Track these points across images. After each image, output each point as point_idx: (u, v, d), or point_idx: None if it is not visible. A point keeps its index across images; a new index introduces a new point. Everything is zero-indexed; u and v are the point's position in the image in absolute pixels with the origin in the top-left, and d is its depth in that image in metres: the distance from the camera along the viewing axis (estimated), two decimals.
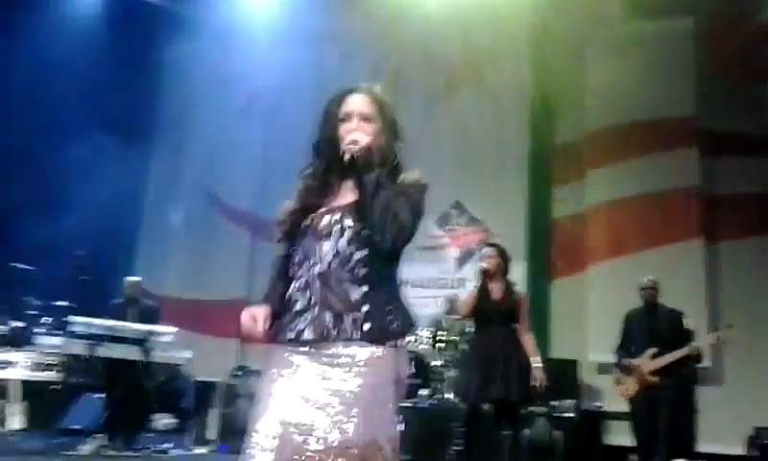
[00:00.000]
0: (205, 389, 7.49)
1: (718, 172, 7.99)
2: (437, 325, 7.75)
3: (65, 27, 9.12)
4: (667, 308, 5.88)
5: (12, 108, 8.65)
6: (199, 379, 7.61)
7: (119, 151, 9.07)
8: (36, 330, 6.27)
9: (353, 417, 2.06)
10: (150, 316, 6.88)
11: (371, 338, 2.13)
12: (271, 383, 2.15)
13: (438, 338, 7.61)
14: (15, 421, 5.67)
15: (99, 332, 6.22)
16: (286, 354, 2.17)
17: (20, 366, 5.68)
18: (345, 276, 2.17)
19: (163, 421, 7.24)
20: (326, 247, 2.19)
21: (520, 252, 7.92)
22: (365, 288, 2.17)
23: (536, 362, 4.87)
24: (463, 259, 8.92)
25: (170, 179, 10.36)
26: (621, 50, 8.45)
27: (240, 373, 7.43)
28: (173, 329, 6.74)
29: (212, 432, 7.14)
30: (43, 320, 6.76)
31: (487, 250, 5.22)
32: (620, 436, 6.90)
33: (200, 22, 9.94)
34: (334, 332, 2.13)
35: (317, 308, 2.16)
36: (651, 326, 5.82)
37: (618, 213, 8.22)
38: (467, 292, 5.23)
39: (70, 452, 5.89)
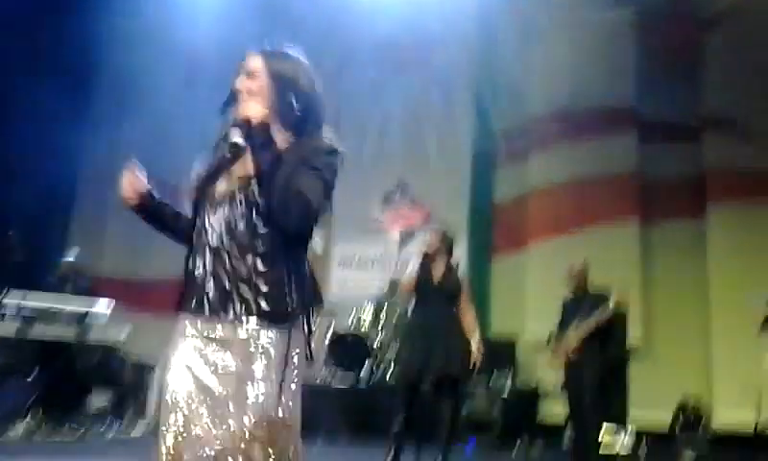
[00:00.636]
0: (143, 369, 7.35)
1: (654, 157, 8.24)
2: (378, 305, 7.81)
3: None
4: (596, 292, 6.07)
5: None
6: (137, 360, 7.46)
7: (55, 122, 8.76)
8: None
9: (243, 400, 1.93)
10: (83, 293, 6.69)
11: (261, 317, 1.97)
12: (171, 357, 2.02)
13: (379, 319, 7.68)
14: None
15: (30, 313, 6.03)
16: (186, 327, 2.02)
17: None
18: (236, 250, 2.00)
19: (98, 402, 7.08)
20: (219, 217, 2.03)
21: (462, 231, 8.01)
22: (259, 264, 1.99)
23: (475, 339, 4.94)
24: (405, 240, 8.96)
25: (109, 152, 10.06)
26: (564, 37, 8.59)
27: None
28: (108, 304, 6.58)
29: (150, 413, 7.03)
30: None
31: (429, 233, 5.26)
32: (556, 410, 7.10)
33: None
34: (222, 309, 1.98)
35: (209, 282, 2.00)
36: (579, 307, 6.00)
37: (558, 195, 8.40)
38: (408, 273, 5.24)
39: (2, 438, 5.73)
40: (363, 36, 9.31)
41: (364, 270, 8.91)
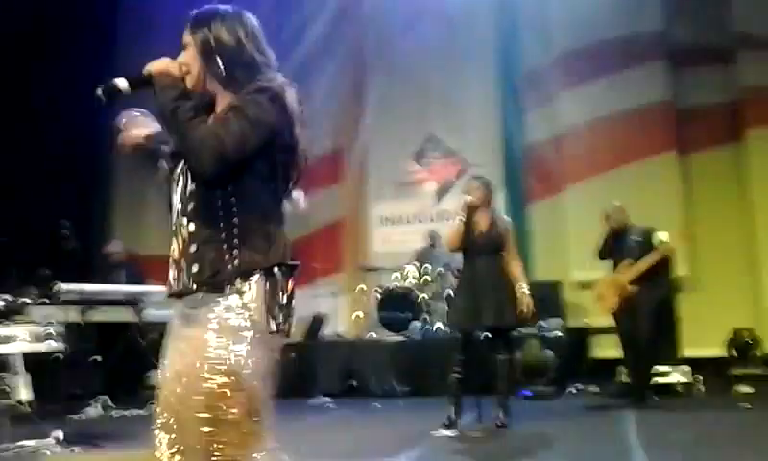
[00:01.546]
0: None
1: (687, 85, 8.10)
2: (421, 259, 7.90)
3: None
4: (638, 226, 6.08)
5: None
6: None
7: (92, 114, 8.86)
8: (25, 301, 6.24)
9: (193, 371, 1.80)
10: (136, 277, 6.88)
11: (200, 283, 1.83)
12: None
13: (423, 272, 7.78)
14: (22, 392, 5.70)
15: (90, 298, 6.24)
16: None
17: (20, 339, 5.68)
18: (182, 220, 1.89)
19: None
20: (177, 191, 1.94)
21: (498, 179, 8.01)
22: (190, 226, 1.86)
23: (523, 288, 5.00)
24: (442, 192, 9.01)
25: None
26: None
27: None
28: (161, 288, 6.75)
29: None
30: (31, 292, 6.72)
31: (471, 182, 5.27)
32: (607, 349, 7.18)
33: None
34: (174, 284, 1.88)
35: (172, 259, 1.92)
36: (623, 245, 6.02)
37: (591, 133, 8.31)
38: (451, 225, 5.29)
39: (78, 416, 6.00)
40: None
41: (404, 226, 8.98)
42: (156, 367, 7.07)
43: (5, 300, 5.91)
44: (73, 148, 9.00)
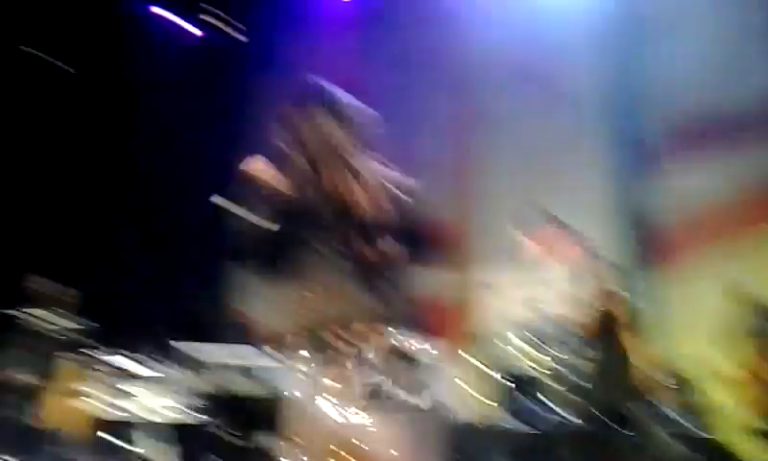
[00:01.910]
0: None
1: None
2: (535, 338, 7.68)
3: None
4: None
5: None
6: None
7: (217, 183, 9.41)
8: (154, 363, 6.59)
9: None
10: (256, 341, 7.09)
11: None
12: None
13: (531, 347, 7.57)
14: (156, 453, 6.00)
15: (217, 362, 6.47)
16: None
17: (164, 407, 5.99)
18: None
19: (271, 441, 7.46)
20: None
21: (609, 249, 7.81)
22: None
23: (651, 370, 4.83)
24: (550, 264, 8.84)
25: None
26: (709, 24, 8.18)
27: None
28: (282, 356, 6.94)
29: None
30: (154, 352, 7.07)
31: (586, 260, 5.20)
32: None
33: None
34: None
35: None
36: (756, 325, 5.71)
37: (714, 205, 8.00)
38: (569, 305, 5.20)
39: None
40: (479, 54, 9.41)
41: (510, 298, 8.86)
42: (269, 430, 7.27)
43: (133, 359, 6.26)
44: (199, 211, 9.48)
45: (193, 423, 6.32)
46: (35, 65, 9.43)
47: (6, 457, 5.39)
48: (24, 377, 6.16)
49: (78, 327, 6.06)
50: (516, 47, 9.22)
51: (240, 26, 10.25)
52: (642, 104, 8.76)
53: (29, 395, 6.16)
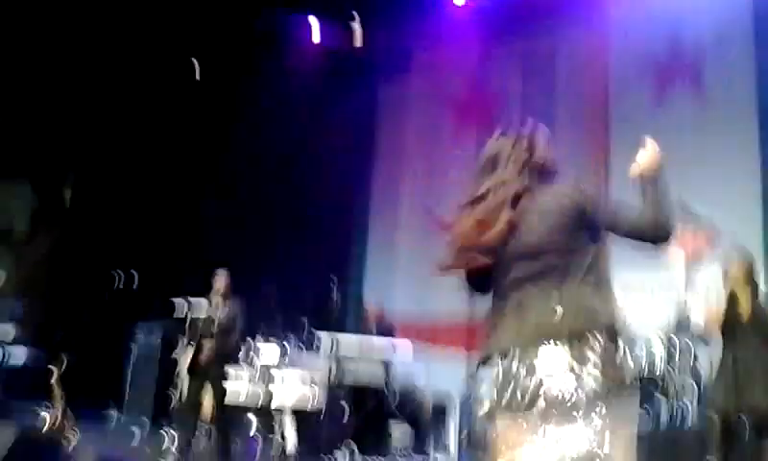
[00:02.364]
0: (440, 401, 7.85)
1: None
2: (669, 332, 7.51)
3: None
4: None
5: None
6: (434, 390, 7.99)
7: (345, 181, 9.88)
8: (293, 348, 6.96)
9: None
10: (388, 335, 7.37)
11: None
12: None
13: (670, 345, 7.37)
14: (292, 435, 6.35)
15: (348, 351, 6.80)
16: None
17: (291, 385, 6.35)
18: None
19: (403, 430, 7.70)
20: None
21: (757, 249, 7.45)
22: None
23: None
24: (692, 262, 8.53)
25: (391, 203, 11.01)
26: None
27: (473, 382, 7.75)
28: (410, 346, 7.21)
29: (450, 440, 7.49)
30: (293, 339, 7.46)
31: (731, 256, 5.02)
32: None
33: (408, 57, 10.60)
34: None
35: None
36: None
37: None
38: (707, 305, 5.03)
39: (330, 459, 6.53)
40: (624, 59, 9.25)
41: (649, 296, 8.63)
42: (398, 420, 7.52)
43: (277, 345, 6.66)
44: (332, 207, 9.97)
45: (327, 409, 6.63)
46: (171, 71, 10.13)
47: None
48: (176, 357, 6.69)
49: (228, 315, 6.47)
50: (666, 43, 9.06)
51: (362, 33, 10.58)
52: None
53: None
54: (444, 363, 8.81)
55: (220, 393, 6.18)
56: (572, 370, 1.96)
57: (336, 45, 10.53)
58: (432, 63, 10.84)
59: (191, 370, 6.21)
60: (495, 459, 2.06)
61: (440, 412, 7.73)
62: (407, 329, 8.82)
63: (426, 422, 7.76)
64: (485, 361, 2.16)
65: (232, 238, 9.68)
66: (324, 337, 6.95)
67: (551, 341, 2.01)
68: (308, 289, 8.02)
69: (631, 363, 2.07)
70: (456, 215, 2.27)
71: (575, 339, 1.99)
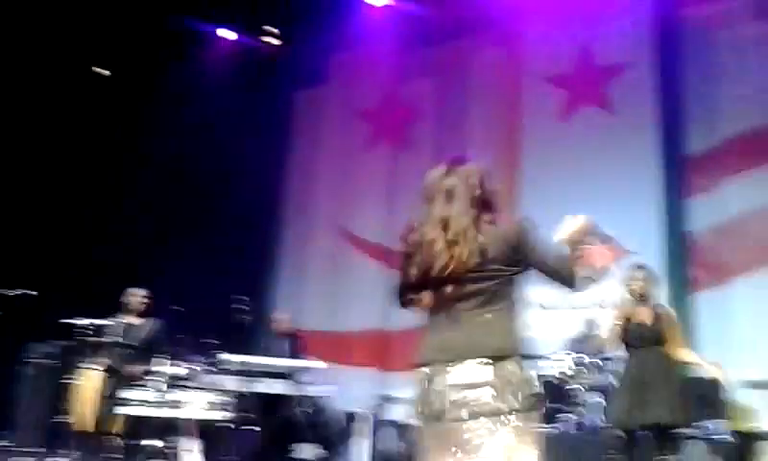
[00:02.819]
0: (350, 419, 7.75)
1: None
2: (576, 348, 7.67)
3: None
4: None
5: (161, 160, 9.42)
6: (343, 409, 7.88)
7: (255, 192, 9.64)
8: (199, 369, 6.73)
9: None
10: (298, 350, 7.21)
11: None
12: None
13: (578, 362, 7.52)
14: (196, 457, 6.12)
15: (256, 369, 6.62)
16: None
17: (194, 405, 6.14)
18: None
19: (312, 451, 7.55)
20: None
21: (658, 267, 7.71)
22: None
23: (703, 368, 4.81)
24: (600, 279, 8.75)
25: (303, 216, 10.87)
26: (755, 45, 8.10)
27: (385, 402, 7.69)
28: (322, 364, 7.09)
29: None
30: (198, 359, 7.21)
31: (633, 271, 5.16)
32: None
33: (324, 63, 10.50)
34: None
35: None
36: None
37: (763, 221, 7.85)
38: (611, 322, 5.16)
39: None
40: (534, 72, 9.49)
41: (557, 312, 8.80)
42: (307, 440, 7.39)
43: (181, 366, 6.43)
44: (242, 222, 9.72)
45: (229, 423, 6.42)
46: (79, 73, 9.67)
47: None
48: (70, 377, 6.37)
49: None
50: (568, 65, 9.33)
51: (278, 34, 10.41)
52: (694, 120, 8.65)
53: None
54: (357, 382, 8.74)
55: (123, 415, 5.93)
56: (492, 386, 2.22)
57: (251, 50, 10.32)
58: (348, 72, 10.80)
59: (96, 392, 5.95)
60: None
61: (351, 432, 7.63)
62: (319, 348, 8.69)
63: (337, 441, 7.64)
64: (414, 370, 2.39)
65: (137, 256, 9.30)
66: (232, 357, 6.75)
67: (476, 358, 2.26)
68: (216, 308, 7.76)
69: (538, 384, 2.33)
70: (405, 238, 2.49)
71: (497, 358, 2.26)
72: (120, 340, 6.18)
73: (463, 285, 2.33)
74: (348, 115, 10.87)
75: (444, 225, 2.36)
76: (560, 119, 9.35)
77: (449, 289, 2.34)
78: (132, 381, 6.23)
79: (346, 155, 10.73)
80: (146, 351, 6.23)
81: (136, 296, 6.38)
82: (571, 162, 8.99)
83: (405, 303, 2.49)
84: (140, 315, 6.36)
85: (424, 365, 2.35)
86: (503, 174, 9.61)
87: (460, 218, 2.38)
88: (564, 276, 2.46)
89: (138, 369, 6.22)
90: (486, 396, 2.21)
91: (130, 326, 6.27)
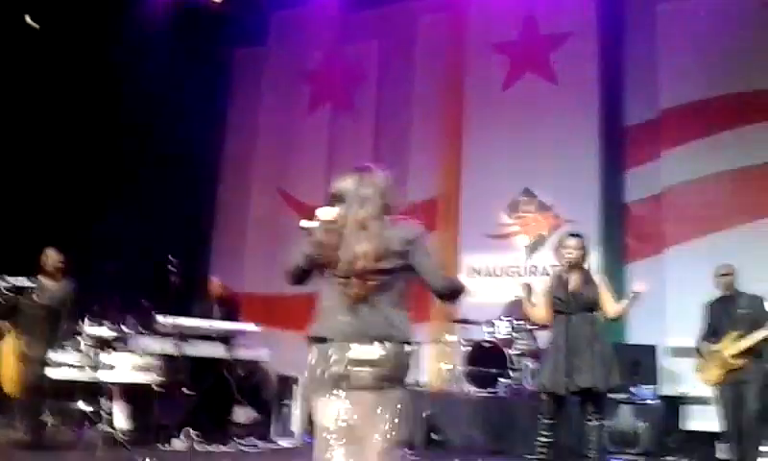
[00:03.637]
0: (286, 382, 7.67)
1: None
2: (510, 314, 7.75)
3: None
4: (747, 294, 5.79)
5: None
6: (279, 373, 7.79)
7: (192, 152, 9.38)
8: (128, 331, 6.55)
9: None
10: (232, 314, 7.08)
11: None
12: None
13: (514, 328, 7.60)
14: (119, 420, 5.96)
15: (188, 332, 6.47)
16: None
17: (121, 368, 5.97)
18: None
19: (246, 415, 7.46)
20: None
21: (594, 236, 7.81)
22: None
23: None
24: (534, 247, 8.86)
25: (241, 178, 10.64)
26: (697, 20, 8.21)
27: None
28: (256, 327, 6.97)
29: (295, 425, 7.33)
30: (131, 321, 7.02)
31: (569, 240, 5.18)
32: (703, 421, 6.80)
33: (265, 21, 10.22)
34: None
35: None
36: (730, 312, 5.75)
37: (697, 193, 8.00)
38: (540, 292, 5.20)
39: (166, 448, 6.18)
40: (479, 38, 9.45)
41: (494, 279, 8.87)
42: (241, 404, 7.28)
43: (109, 328, 6.24)
44: (179, 181, 9.46)
45: (159, 386, 6.28)
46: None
47: None
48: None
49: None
50: (513, 33, 9.30)
51: None
52: (632, 92, 8.74)
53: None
54: (290, 345, 8.64)
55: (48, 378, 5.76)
56: (374, 364, 2.66)
57: (191, 6, 9.94)
58: (290, 31, 10.53)
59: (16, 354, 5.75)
60: (314, 431, 2.77)
61: (286, 395, 7.56)
62: (256, 310, 8.57)
63: (272, 405, 7.56)
64: (310, 343, 2.76)
65: (66, 213, 8.95)
66: (165, 319, 6.57)
67: (364, 338, 2.68)
68: (149, 269, 7.55)
69: (410, 364, 2.77)
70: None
71: (380, 340, 2.68)
72: (36, 300, 5.92)
73: (367, 277, 2.69)
74: (290, 75, 10.63)
75: (362, 226, 2.74)
76: (503, 87, 9.33)
77: (356, 279, 2.70)
78: (51, 343, 6.02)
79: (286, 115, 10.50)
80: (61, 312, 5.99)
81: (52, 257, 6.11)
82: (513, 130, 9.01)
83: (298, 281, 2.91)
84: (56, 277, 6.09)
85: (326, 340, 2.71)
86: (445, 139, 9.60)
87: (373, 221, 2.76)
88: (440, 285, 2.83)
89: (58, 328, 6.00)
90: (367, 371, 2.66)
91: (44, 286, 6.01)
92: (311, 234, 2.82)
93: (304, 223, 2.87)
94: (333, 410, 2.66)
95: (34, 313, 6.01)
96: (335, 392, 2.66)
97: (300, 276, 2.89)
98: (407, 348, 2.74)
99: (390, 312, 2.73)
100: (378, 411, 2.65)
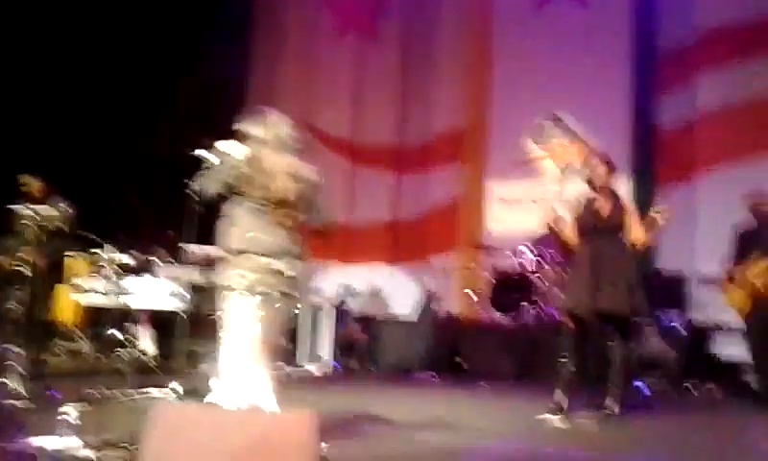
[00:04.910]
0: (313, 310, 7.75)
1: None
2: (536, 241, 7.69)
3: None
4: None
5: None
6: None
7: (216, 85, 9.34)
8: (153, 259, 6.62)
9: None
10: None
11: None
12: None
13: (538, 255, 7.56)
14: (147, 345, 6.07)
15: (212, 260, 6.50)
16: None
17: (149, 295, 6.05)
18: None
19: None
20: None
21: (625, 163, 7.67)
22: None
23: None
24: (563, 174, 8.72)
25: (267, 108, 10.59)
26: None
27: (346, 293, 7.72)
28: None
29: (324, 351, 7.44)
30: (158, 250, 7.10)
31: (595, 163, 5.08)
32: (731, 349, 6.74)
33: None
34: None
35: None
36: (760, 239, 5.63)
37: (730, 119, 7.76)
38: (567, 220, 5.09)
39: (194, 371, 6.30)
40: None
41: (522, 207, 8.79)
42: None
43: (135, 256, 6.31)
44: (203, 116, 9.41)
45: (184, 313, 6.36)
46: None
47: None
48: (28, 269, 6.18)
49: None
50: None
51: None
52: (666, 15, 8.43)
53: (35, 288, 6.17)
54: (319, 274, 8.72)
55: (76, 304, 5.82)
56: (275, 273, 3.39)
57: None
58: None
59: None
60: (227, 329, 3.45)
61: (314, 322, 7.65)
62: None
63: (300, 332, 7.66)
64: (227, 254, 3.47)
65: (89, 143, 8.98)
66: (194, 248, 6.61)
67: (268, 253, 3.40)
68: (173, 199, 7.57)
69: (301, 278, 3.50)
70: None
71: (280, 256, 3.41)
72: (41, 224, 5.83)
73: (277, 205, 3.41)
74: (314, 4, 10.44)
75: (288, 168, 3.46)
76: (531, 12, 9.06)
77: (271, 207, 3.41)
78: (54, 265, 5.94)
79: (311, 45, 10.36)
80: (63, 235, 5.89)
81: (34, 183, 5.98)
82: (542, 56, 8.79)
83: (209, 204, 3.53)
84: (41, 202, 5.96)
85: (240, 252, 3.40)
86: (472, 66, 9.41)
87: (291, 159, 3.51)
88: (320, 223, 3.59)
89: (55, 251, 5.93)
90: (270, 278, 3.37)
91: (36, 212, 5.89)
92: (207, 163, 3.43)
93: (200, 152, 3.44)
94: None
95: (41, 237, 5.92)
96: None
97: (213, 201, 3.48)
98: (294, 263, 3.42)
99: (289, 233, 3.43)
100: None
